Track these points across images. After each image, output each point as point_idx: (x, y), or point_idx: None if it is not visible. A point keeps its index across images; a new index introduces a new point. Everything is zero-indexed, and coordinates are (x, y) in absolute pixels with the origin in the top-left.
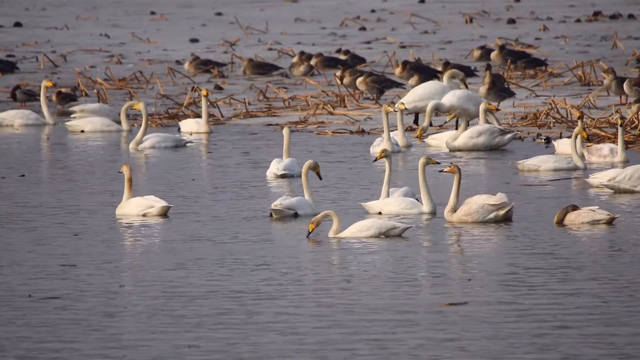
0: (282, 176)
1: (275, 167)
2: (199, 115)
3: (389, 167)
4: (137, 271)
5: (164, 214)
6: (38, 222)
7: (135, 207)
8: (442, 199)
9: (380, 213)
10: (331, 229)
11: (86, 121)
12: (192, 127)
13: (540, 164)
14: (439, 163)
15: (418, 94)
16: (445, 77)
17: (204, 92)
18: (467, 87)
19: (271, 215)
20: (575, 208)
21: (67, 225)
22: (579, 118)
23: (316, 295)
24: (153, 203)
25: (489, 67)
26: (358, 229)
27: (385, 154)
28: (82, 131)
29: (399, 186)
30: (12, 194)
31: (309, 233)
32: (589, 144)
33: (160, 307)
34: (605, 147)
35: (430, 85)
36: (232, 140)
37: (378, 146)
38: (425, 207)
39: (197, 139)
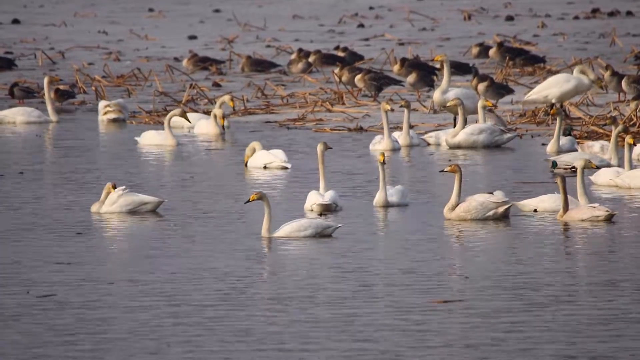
0: (283, 168)
1: (272, 157)
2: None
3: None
4: (133, 268)
5: (153, 209)
6: (39, 220)
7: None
8: (445, 199)
9: (535, 210)
10: (263, 227)
11: (191, 116)
12: (203, 129)
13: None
14: (598, 168)
15: (544, 83)
16: (575, 70)
17: (219, 103)
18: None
19: (320, 212)
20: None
21: (69, 224)
22: (555, 114)
23: (309, 292)
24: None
25: (476, 73)
26: (296, 229)
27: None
28: (189, 122)
29: (393, 184)
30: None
31: (248, 201)
32: (582, 142)
33: (152, 307)
34: (596, 145)
35: (557, 76)
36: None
37: (378, 143)
38: None
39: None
